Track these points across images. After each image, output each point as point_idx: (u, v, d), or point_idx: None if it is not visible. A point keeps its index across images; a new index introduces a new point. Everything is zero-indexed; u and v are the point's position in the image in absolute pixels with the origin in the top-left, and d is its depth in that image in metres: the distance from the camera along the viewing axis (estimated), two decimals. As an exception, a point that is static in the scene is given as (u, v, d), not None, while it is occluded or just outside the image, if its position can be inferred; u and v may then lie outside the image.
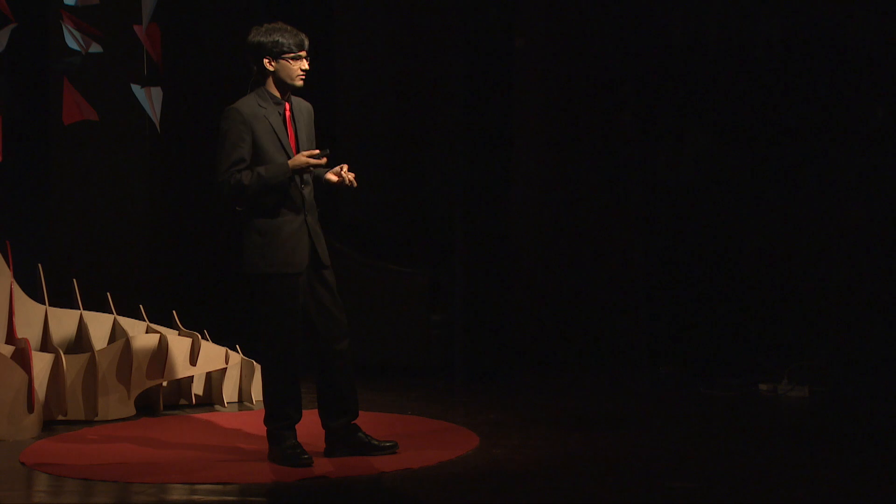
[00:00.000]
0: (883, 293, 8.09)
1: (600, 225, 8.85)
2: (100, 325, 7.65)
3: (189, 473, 6.12)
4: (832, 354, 8.10)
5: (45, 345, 7.48)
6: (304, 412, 6.28)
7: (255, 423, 6.88)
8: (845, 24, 8.21)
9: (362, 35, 9.58)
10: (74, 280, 7.76)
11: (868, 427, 6.99)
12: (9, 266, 7.32)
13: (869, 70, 8.16)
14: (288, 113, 6.24)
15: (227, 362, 7.78)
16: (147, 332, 7.60)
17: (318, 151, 6.16)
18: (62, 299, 7.70)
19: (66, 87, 7.57)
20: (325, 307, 6.25)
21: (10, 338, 7.26)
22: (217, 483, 5.90)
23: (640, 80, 8.43)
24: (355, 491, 5.83)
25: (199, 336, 7.65)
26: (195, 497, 5.72)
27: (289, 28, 6.22)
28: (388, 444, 6.34)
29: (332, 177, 6.24)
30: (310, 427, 6.34)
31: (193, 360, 7.61)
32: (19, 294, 7.41)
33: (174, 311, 7.82)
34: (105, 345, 7.54)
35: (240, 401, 7.89)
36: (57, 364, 7.19)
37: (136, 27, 7.59)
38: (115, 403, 7.37)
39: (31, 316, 7.47)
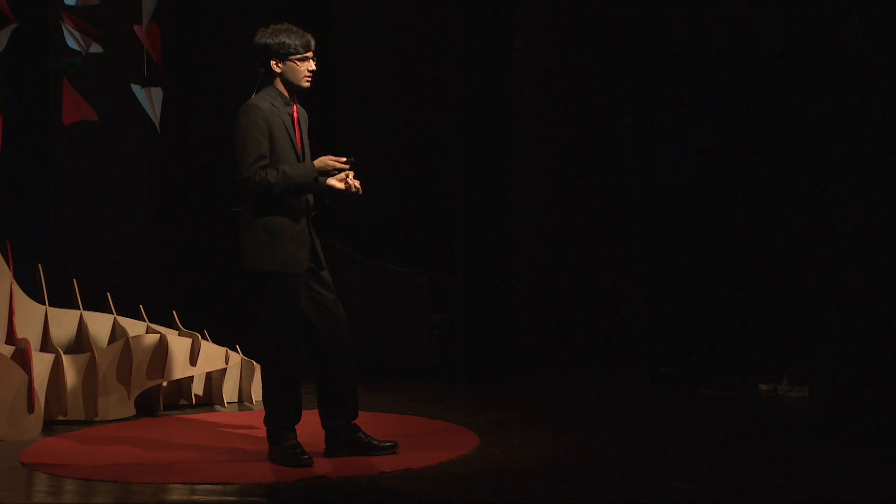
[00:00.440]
0: (883, 293, 8.09)
1: (600, 225, 8.85)
2: (100, 325, 7.64)
3: (189, 473, 6.11)
4: (832, 354, 8.10)
5: (45, 345, 7.47)
6: (304, 412, 6.27)
7: (255, 423, 6.89)
8: (845, 24, 8.21)
9: (362, 36, 9.58)
10: (74, 280, 7.75)
11: (868, 427, 6.99)
12: (9, 266, 7.32)
13: (869, 70, 8.16)
14: (295, 115, 6.24)
15: (227, 362, 7.78)
16: (147, 332, 7.60)
17: (344, 159, 6.14)
18: (62, 299, 7.70)
19: (66, 87, 7.56)
20: (324, 307, 6.24)
21: (10, 338, 7.25)
22: (217, 483, 5.89)
23: (640, 80, 8.42)
24: (355, 491, 5.82)
25: (199, 336, 7.65)
26: (195, 497, 5.72)
27: (295, 29, 6.17)
28: (388, 444, 6.34)
29: (337, 183, 6.15)
30: (310, 427, 6.34)
31: (193, 361, 7.61)
32: (19, 294, 7.40)
33: (174, 311, 7.82)
34: (105, 345, 7.54)
35: (240, 401, 7.89)
36: (57, 364, 7.18)
37: (136, 27, 7.59)
38: (115, 403, 7.36)
39: (31, 316, 7.46)
